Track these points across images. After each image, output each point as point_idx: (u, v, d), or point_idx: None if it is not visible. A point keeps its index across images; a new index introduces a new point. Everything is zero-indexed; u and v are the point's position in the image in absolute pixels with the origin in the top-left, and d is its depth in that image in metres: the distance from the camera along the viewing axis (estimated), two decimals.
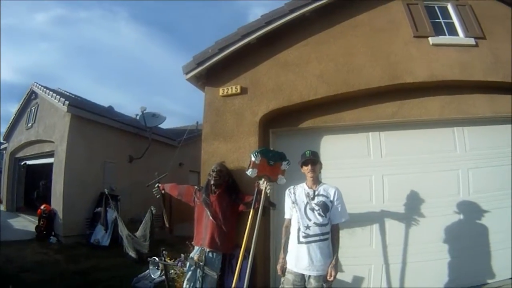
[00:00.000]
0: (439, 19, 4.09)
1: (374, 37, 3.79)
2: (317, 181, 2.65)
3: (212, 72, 3.80)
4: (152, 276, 4.05)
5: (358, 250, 3.47)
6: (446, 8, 4.15)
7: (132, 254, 4.94)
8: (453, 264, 3.43)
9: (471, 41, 3.86)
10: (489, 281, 3.47)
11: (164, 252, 3.71)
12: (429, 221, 3.48)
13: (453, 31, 4.02)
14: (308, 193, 2.59)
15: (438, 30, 3.97)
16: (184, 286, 3.04)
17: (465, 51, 3.82)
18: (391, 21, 3.90)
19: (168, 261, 3.69)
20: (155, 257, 3.81)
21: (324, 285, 2.41)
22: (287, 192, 2.71)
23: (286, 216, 2.68)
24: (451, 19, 4.09)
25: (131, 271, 4.52)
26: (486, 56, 3.80)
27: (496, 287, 3.39)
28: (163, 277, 3.56)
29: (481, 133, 3.78)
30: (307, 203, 2.56)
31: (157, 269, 3.98)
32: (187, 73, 3.79)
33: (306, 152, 2.65)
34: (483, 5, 4.11)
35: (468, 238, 3.49)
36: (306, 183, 2.66)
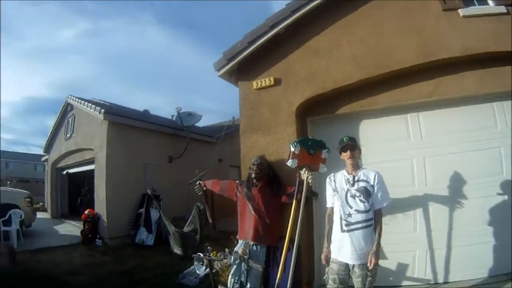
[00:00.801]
0: None
1: (402, 15, 3.64)
2: (356, 166, 2.60)
3: (244, 66, 3.83)
4: (197, 271, 4.18)
5: (401, 236, 3.39)
6: None
7: (177, 251, 5.08)
8: (498, 248, 3.27)
9: (502, 9, 3.58)
10: None
11: (208, 247, 3.79)
12: (473, 203, 3.35)
13: (482, 0, 3.78)
14: (348, 179, 2.55)
15: (467, 1, 3.74)
16: (229, 280, 3.09)
17: (497, 20, 3.55)
18: None
19: (213, 256, 3.77)
20: (199, 253, 3.90)
21: (369, 273, 2.36)
22: (327, 180, 2.68)
23: (328, 204, 2.66)
24: None
25: (176, 268, 4.63)
26: None
27: None
28: (208, 272, 3.63)
29: None
30: (348, 190, 2.51)
31: (202, 264, 4.10)
32: (219, 70, 3.85)
33: (344, 138, 2.60)
34: None
35: None
36: (346, 170, 2.62)
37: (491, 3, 3.72)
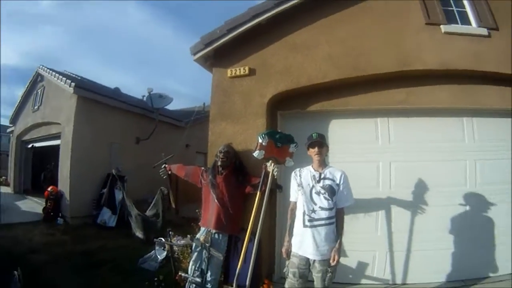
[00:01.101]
0: (452, 7, 3.97)
1: (385, 22, 3.71)
2: (323, 164, 2.60)
3: (220, 53, 3.76)
4: (158, 256, 4.11)
5: (363, 236, 3.48)
6: None
7: (139, 234, 4.97)
8: (456, 255, 3.44)
9: (484, 31, 3.75)
10: (492, 274, 3.47)
11: (170, 232, 3.73)
12: (434, 210, 3.48)
13: (465, 21, 3.91)
14: (314, 175, 2.54)
15: (450, 19, 3.86)
16: (190, 266, 3.07)
17: (477, 41, 3.72)
18: (403, 7, 3.80)
19: (174, 242, 3.72)
20: (161, 238, 3.84)
21: (329, 269, 2.40)
22: (292, 174, 2.67)
23: (291, 198, 2.65)
24: (464, 8, 3.97)
25: (137, 251, 4.54)
26: (498, 48, 3.69)
27: (498, 281, 3.37)
28: (169, 257, 3.58)
29: (491, 125, 3.73)
30: (313, 186, 2.51)
31: (163, 249, 4.03)
32: (194, 54, 3.76)
33: (313, 134, 2.60)
34: None
35: (472, 230, 3.49)
36: (312, 166, 2.62)
37: (473, 23, 3.85)
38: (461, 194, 3.52)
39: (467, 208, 3.51)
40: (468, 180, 3.59)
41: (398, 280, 3.50)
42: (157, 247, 4.10)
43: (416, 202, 3.50)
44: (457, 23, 3.87)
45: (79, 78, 8.99)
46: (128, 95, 9.45)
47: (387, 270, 3.52)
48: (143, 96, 8.07)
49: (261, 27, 3.67)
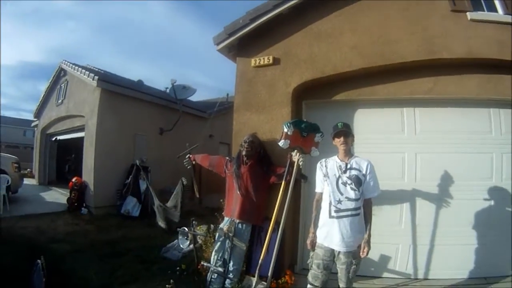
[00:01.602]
0: None
1: (410, 9, 3.60)
2: (349, 154, 2.57)
3: (244, 43, 3.75)
4: (181, 246, 4.15)
5: (387, 228, 3.42)
6: None
7: (162, 224, 5.06)
8: (479, 251, 3.37)
9: (510, 18, 3.60)
10: None
11: (194, 222, 3.78)
12: (459, 204, 3.40)
13: (492, 8, 3.75)
14: (340, 166, 2.51)
15: (476, 6, 3.72)
16: (212, 256, 3.10)
17: (504, 29, 3.55)
18: None
19: (198, 231, 3.77)
20: (184, 227, 3.90)
21: (354, 261, 2.39)
22: (318, 165, 2.65)
23: (317, 189, 2.63)
24: None
25: (160, 241, 4.63)
26: None
27: None
28: (192, 247, 3.62)
29: None
30: (339, 176, 2.48)
31: (186, 239, 4.09)
32: (218, 44, 3.77)
33: (338, 124, 2.56)
34: None
35: (497, 226, 3.39)
36: (338, 156, 2.59)
37: (500, 11, 3.70)
38: (486, 188, 3.43)
39: (492, 203, 3.41)
40: (495, 174, 3.48)
41: (420, 275, 3.46)
42: (180, 237, 4.16)
43: (441, 195, 3.42)
44: (484, 10, 3.72)
45: (102, 72, 9.15)
46: (151, 87, 9.54)
47: (410, 264, 3.47)
48: (166, 88, 8.12)
49: (284, 16, 3.64)
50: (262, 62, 3.62)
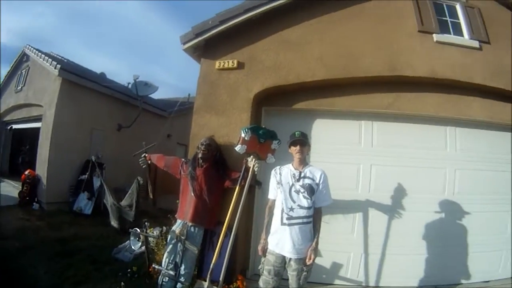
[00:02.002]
0: (446, 17, 4.05)
1: (378, 25, 3.73)
2: (304, 162, 2.60)
3: (210, 44, 3.70)
4: (133, 247, 4.02)
5: (339, 236, 3.49)
6: (454, 8, 4.12)
7: (114, 223, 4.88)
8: (430, 261, 3.49)
9: (475, 43, 3.84)
10: (464, 281, 3.56)
11: (146, 223, 3.66)
12: (411, 215, 3.52)
13: (458, 31, 3.98)
14: (294, 174, 2.54)
15: (443, 28, 3.93)
16: (164, 259, 3.00)
17: (468, 53, 3.79)
18: (397, 12, 3.84)
19: (150, 233, 3.65)
20: (136, 228, 3.77)
21: (304, 268, 2.40)
22: (272, 172, 2.66)
23: (270, 196, 2.64)
24: (458, 19, 4.06)
25: (112, 241, 4.49)
26: (488, 61, 3.79)
27: None
28: (144, 248, 3.52)
29: (473, 136, 3.81)
30: (293, 184, 2.50)
31: (138, 240, 3.95)
32: (184, 43, 3.69)
33: (296, 133, 2.58)
34: (491, 10, 4.09)
35: (447, 237, 3.56)
36: (292, 164, 2.61)
37: (466, 35, 3.91)
38: (438, 202, 3.58)
39: (443, 215, 3.57)
40: (447, 188, 3.66)
41: (372, 282, 3.54)
42: (132, 238, 4.02)
43: (394, 207, 3.53)
44: (450, 33, 3.94)
45: (65, 60, 8.70)
46: (113, 80, 9.16)
47: (361, 272, 3.54)
48: (129, 83, 7.88)
49: (254, 21, 3.64)
50: (226, 65, 3.57)
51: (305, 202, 2.44)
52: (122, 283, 2.65)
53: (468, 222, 3.62)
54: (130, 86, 7.76)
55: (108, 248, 4.20)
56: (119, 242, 4.27)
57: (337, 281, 3.54)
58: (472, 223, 3.63)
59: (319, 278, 3.45)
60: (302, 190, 2.47)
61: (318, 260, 3.39)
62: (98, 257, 3.96)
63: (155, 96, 9.22)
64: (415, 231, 3.52)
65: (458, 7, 4.09)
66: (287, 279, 2.48)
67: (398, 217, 3.51)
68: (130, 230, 3.86)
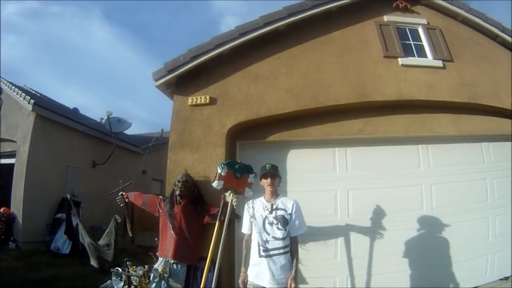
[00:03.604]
0: (409, 40, 4.28)
1: (345, 55, 3.89)
2: (275, 194, 2.64)
3: (182, 80, 3.73)
4: (115, 287, 3.90)
5: (323, 263, 3.51)
6: (416, 31, 4.35)
7: (94, 263, 4.72)
8: (415, 276, 3.55)
9: (439, 63, 4.07)
10: None
11: (127, 262, 3.57)
12: (393, 234, 3.58)
13: (422, 53, 4.21)
14: (266, 206, 2.58)
15: (407, 51, 4.15)
16: None
17: (432, 72, 4.01)
18: (362, 41, 4.04)
19: (132, 272, 3.56)
20: (118, 268, 3.66)
21: None
22: (246, 206, 2.69)
23: (245, 230, 2.67)
24: (421, 41, 4.29)
25: (93, 281, 4.33)
26: (452, 78, 4.02)
27: None
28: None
29: (445, 150, 3.98)
30: (266, 217, 2.54)
31: (120, 280, 3.84)
32: (157, 80, 3.70)
33: (266, 165, 2.63)
34: (452, 30, 4.36)
35: (430, 251, 3.63)
36: (264, 197, 2.65)
37: (429, 56, 4.13)
38: (417, 218, 3.67)
39: (424, 231, 3.65)
40: (425, 204, 3.76)
41: None
42: (113, 277, 3.90)
43: (375, 228, 3.58)
44: (414, 56, 4.16)
45: (38, 95, 8.56)
46: (86, 116, 9.13)
47: None
48: (102, 118, 7.93)
49: (224, 56, 3.73)
50: (199, 101, 3.61)
51: (279, 234, 2.47)
52: None
53: (449, 234, 3.71)
54: (103, 121, 7.74)
55: None
56: (100, 281, 4.11)
57: None
58: (454, 234, 3.73)
59: None
60: (275, 221, 2.50)
61: (304, 287, 3.42)
62: None
63: (129, 131, 9.23)
64: (398, 249, 3.58)
65: (420, 30, 4.34)
66: None
67: (379, 238, 3.57)
68: (112, 270, 3.75)
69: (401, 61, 3.96)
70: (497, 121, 4.17)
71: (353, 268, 3.56)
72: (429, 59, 4.14)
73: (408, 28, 4.35)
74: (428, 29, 4.31)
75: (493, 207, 4.02)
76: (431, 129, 3.87)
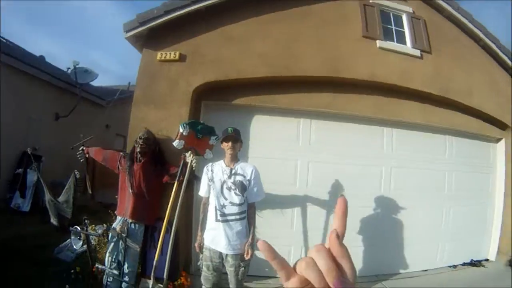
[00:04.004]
0: (391, 25, 4.27)
1: (323, 28, 3.84)
2: (235, 159, 2.60)
3: (153, 34, 3.58)
4: (74, 246, 3.85)
5: (279, 231, 3.57)
6: (400, 17, 4.35)
7: (54, 221, 4.61)
8: (367, 253, 3.71)
9: (417, 52, 4.11)
10: (402, 271, 3.83)
11: (86, 221, 3.50)
12: (350, 211, 3.65)
13: (402, 40, 4.22)
14: (225, 171, 2.54)
15: (387, 36, 4.15)
16: (106, 258, 2.92)
17: (409, 60, 4.05)
18: (343, 17, 3.99)
19: (91, 231, 3.51)
20: (76, 227, 3.60)
21: (242, 263, 2.42)
22: (204, 169, 2.65)
23: (202, 193, 2.63)
24: (403, 28, 4.30)
25: (52, 240, 4.24)
26: (427, 69, 4.08)
27: (408, 277, 3.73)
28: (85, 247, 3.33)
29: (409, 137, 4.09)
30: (224, 181, 2.50)
31: (79, 239, 3.79)
32: (127, 31, 3.52)
33: (229, 129, 2.57)
34: (437, 24, 4.39)
35: (384, 231, 3.80)
36: (224, 161, 2.60)
37: (408, 44, 4.14)
38: (375, 197, 3.80)
39: (379, 210, 3.79)
40: (383, 185, 3.89)
41: None
42: (72, 237, 3.84)
43: (332, 202, 3.65)
44: (393, 41, 4.16)
45: (4, 41, 7.95)
46: (52, 65, 8.46)
47: None
48: (68, 68, 7.27)
49: (199, 14, 3.59)
50: (168, 57, 3.48)
51: (236, 199, 2.45)
52: (67, 286, 2.53)
53: (404, 216, 3.89)
54: (69, 71, 7.19)
55: (49, 248, 4.00)
56: (61, 240, 4.07)
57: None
58: (409, 217, 3.91)
59: (261, 272, 3.50)
60: (233, 187, 2.47)
61: (259, 254, 3.48)
62: (40, 258, 3.75)
63: (94, 83, 8.55)
64: (353, 225, 3.68)
65: (404, 17, 4.34)
66: (227, 274, 2.50)
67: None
68: (71, 228, 3.68)
69: (379, 43, 3.97)
70: (465, 118, 4.33)
71: (308, 238, 3.66)
72: (408, 46, 4.16)
73: (393, 14, 4.34)
74: (412, 17, 4.32)
75: (449, 198, 4.25)
76: (399, 114, 3.95)
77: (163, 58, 3.48)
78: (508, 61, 4.59)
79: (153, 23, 3.50)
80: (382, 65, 3.87)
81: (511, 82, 4.67)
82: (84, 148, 3.40)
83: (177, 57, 3.47)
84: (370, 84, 3.82)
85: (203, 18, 3.60)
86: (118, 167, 3.15)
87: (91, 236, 3.46)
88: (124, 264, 2.86)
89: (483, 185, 4.58)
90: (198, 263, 2.62)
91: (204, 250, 2.53)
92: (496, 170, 4.64)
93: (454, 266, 4.14)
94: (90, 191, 3.65)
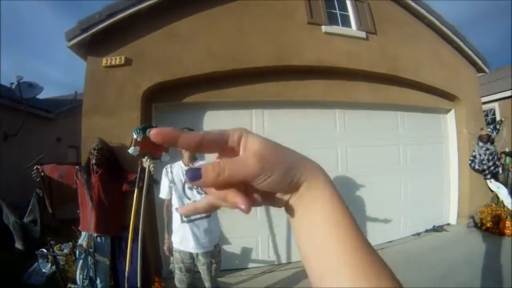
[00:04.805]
0: (335, 10, 4.38)
1: (268, 18, 3.89)
2: (193, 158, 2.59)
3: (97, 40, 3.47)
4: (43, 269, 3.72)
5: (244, 222, 3.59)
6: (344, 2, 4.48)
7: (19, 245, 4.41)
8: None
9: (363, 34, 4.26)
10: None
11: (51, 242, 3.38)
12: None
13: (347, 24, 4.35)
14: (185, 171, 2.54)
15: (332, 20, 4.26)
16: (77, 276, 2.87)
17: (355, 42, 4.19)
18: (288, 6, 4.05)
19: (57, 251, 3.40)
20: (42, 249, 3.48)
21: (213, 260, 2.45)
22: (164, 171, 2.63)
23: (164, 196, 2.61)
24: (348, 12, 4.42)
25: (20, 265, 4.03)
26: (374, 50, 4.24)
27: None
28: (55, 268, 3.22)
29: (361, 116, 4.26)
30: (185, 181, 2.49)
31: (47, 261, 3.67)
32: (69, 40, 3.40)
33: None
34: (382, 6, 4.56)
35: None
36: (182, 161, 2.60)
37: (354, 26, 4.25)
38: (333, 178, 3.82)
39: (339, 190, 3.89)
40: (340, 165, 4.04)
41: (283, 260, 3.78)
42: (40, 260, 3.71)
43: None
44: (339, 25, 4.26)
45: None
46: None
47: (271, 252, 3.76)
48: (12, 83, 6.90)
49: (143, 14, 3.52)
50: (113, 62, 3.40)
51: (199, 198, 2.45)
52: None
53: (364, 193, 4.06)
54: (13, 87, 6.84)
55: (19, 274, 3.82)
56: (28, 265, 3.88)
57: (250, 264, 3.71)
58: (368, 193, 4.08)
59: (232, 265, 3.57)
60: (195, 186, 2.47)
61: (228, 248, 3.54)
62: (10, 286, 3.67)
63: (41, 95, 8.02)
64: None
65: (348, 1, 4.46)
66: (200, 273, 2.51)
67: None
68: (37, 252, 3.56)
69: (324, 28, 4.07)
70: (415, 94, 4.55)
71: (273, 226, 3.74)
72: (353, 29, 4.29)
73: None
74: (356, 1, 4.45)
75: (405, 170, 4.47)
76: (348, 95, 4.10)
77: (108, 64, 3.40)
78: (452, 35, 4.84)
79: (96, 28, 3.40)
80: (328, 49, 3.99)
81: (455, 55, 4.94)
82: (39, 167, 3.27)
83: (122, 62, 3.40)
84: (319, 69, 3.92)
85: (147, 19, 3.54)
86: (76, 181, 3.05)
87: (58, 257, 3.37)
88: (96, 280, 2.82)
89: (437, 155, 4.85)
90: (170, 267, 2.62)
91: (174, 252, 2.52)
92: (448, 140, 4.93)
93: (418, 234, 4.38)
94: (50, 210, 3.53)
